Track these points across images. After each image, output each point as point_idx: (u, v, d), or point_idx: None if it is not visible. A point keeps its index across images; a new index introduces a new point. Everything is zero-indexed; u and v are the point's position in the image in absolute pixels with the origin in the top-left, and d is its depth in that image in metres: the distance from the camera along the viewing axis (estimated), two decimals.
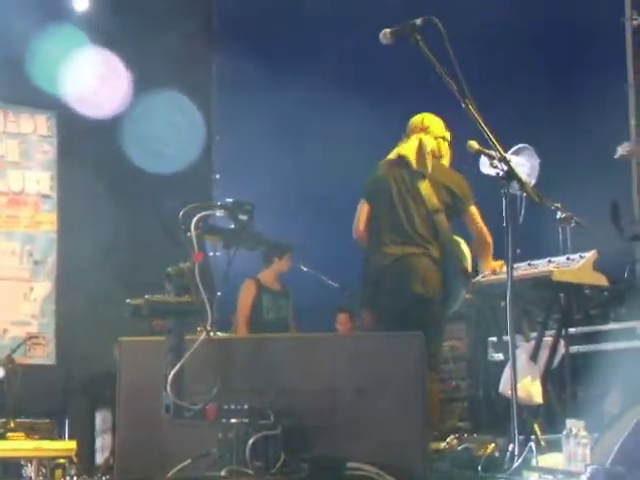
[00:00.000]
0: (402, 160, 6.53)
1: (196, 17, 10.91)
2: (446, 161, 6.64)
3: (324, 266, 9.75)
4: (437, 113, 6.70)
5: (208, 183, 11.23)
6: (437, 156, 6.57)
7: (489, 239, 6.43)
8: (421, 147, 6.50)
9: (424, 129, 6.59)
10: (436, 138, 6.58)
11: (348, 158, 9.71)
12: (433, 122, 6.62)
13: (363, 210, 6.58)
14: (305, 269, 9.81)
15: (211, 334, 4.76)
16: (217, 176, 11.48)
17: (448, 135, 6.63)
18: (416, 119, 6.66)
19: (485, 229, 6.44)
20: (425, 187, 6.45)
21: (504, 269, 5.96)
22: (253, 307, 9.19)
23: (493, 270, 6.40)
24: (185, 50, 10.36)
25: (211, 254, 8.09)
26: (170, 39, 9.94)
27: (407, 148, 6.53)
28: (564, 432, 5.34)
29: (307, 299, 9.76)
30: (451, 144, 6.67)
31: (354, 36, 9.66)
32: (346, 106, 9.78)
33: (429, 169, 6.47)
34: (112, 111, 9.78)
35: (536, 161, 6.54)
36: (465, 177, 6.58)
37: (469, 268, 6.43)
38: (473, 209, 6.48)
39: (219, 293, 8.48)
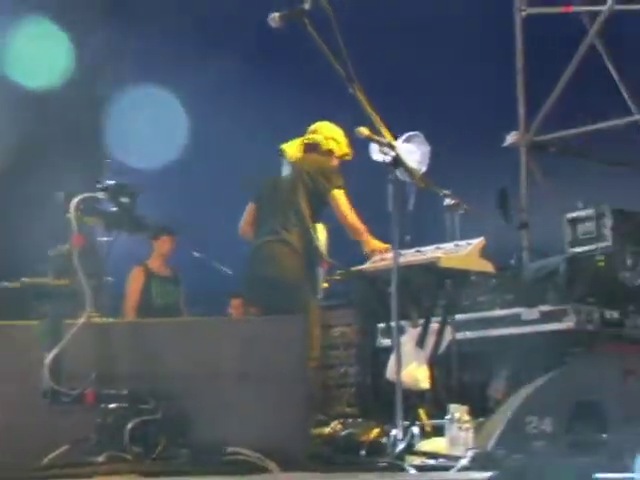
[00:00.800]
0: (279, 154, 6.71)
1: None
2: (342, 151, 6.78)
3: (221, 253, 9.70)
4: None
5: (99, 166, 11.00)
6: (323, 150, 6.71)
7: (354, 222, 6.47)
8: (301, 143, 6.71)
9: (313, 131, 6.82)
10: (326, 138, 6.74)
11: (243, 144, 9.71)
12: (325, 126, 6.83)
13: (248, 209, 6.84)
14: (197, 255, 9.75)
15: (96, 318, 4.70)
16: (108, 160, 11.28)
17: (343, 140, 6.74)
18: (312, 126, 6.86)
19: (350, 214, 6.49)
20: (289, 176, 6.61)
21: (389, 253, 6.02)
22: (141, 293, 9.09)
23: (379, 252, 6.44)
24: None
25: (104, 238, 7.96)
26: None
27: (289, 144, 6.72)
28: (447, 417, 5.40)
29: (203, 285, 9.71)
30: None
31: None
32: (238, 89, 9.76)
33: (294, 158, 6.63)
34: None
35: (427, 148, 6.54)
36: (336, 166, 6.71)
37: (324, 254, 6.55)
38: (337, 194, 6.53)
39: (109, 278, 8.37)
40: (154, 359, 4.81)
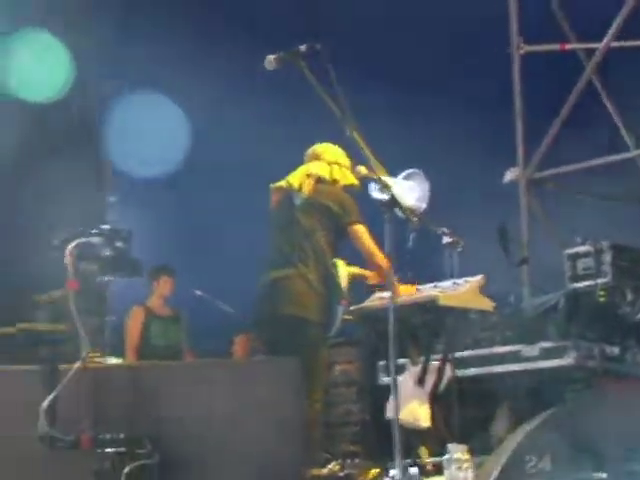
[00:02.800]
0: (286, 186, 6.52)
1: None
2: (348, 180, 6.49)
3: (226, 289, 9.67)
4: None
5: (102, 206, 10.97)
6: (329, 181, 6.50)
7: (377, 259, 6.24)
8: (307, 173, 6.49)
9: (316, 157, 6.59)
10: (329, 164, 6.53)
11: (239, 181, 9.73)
12: (325, 149, 6.61)
13: None
14: (199, 294, 9.70)
15: (92, 362, 4.72)
16: (112, 199, 11.26)
17: (346, 161, 6.55)
18: (310, 150, 6.67)
19: (373, 249, 6.28)
20: (303, 209, 6.42)
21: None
22: (141, 334, 9.09)
23: (410, 294, 6.39)
24: None
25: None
26: None
27: (294, 176, 6.52)
28: (445, 456, 5.40)
29: (206, 322, 9.68)
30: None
31: None
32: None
33: (306, 191, 6.42)
34: None
35: (426, 185, 6.54)
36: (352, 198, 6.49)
37: (345, 290, 6.33)
38: (357, 228, 6.35)
39: (112, 317, 8.38)
40: (151, 402, 4.82)
